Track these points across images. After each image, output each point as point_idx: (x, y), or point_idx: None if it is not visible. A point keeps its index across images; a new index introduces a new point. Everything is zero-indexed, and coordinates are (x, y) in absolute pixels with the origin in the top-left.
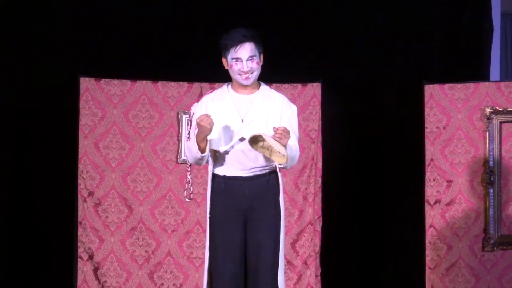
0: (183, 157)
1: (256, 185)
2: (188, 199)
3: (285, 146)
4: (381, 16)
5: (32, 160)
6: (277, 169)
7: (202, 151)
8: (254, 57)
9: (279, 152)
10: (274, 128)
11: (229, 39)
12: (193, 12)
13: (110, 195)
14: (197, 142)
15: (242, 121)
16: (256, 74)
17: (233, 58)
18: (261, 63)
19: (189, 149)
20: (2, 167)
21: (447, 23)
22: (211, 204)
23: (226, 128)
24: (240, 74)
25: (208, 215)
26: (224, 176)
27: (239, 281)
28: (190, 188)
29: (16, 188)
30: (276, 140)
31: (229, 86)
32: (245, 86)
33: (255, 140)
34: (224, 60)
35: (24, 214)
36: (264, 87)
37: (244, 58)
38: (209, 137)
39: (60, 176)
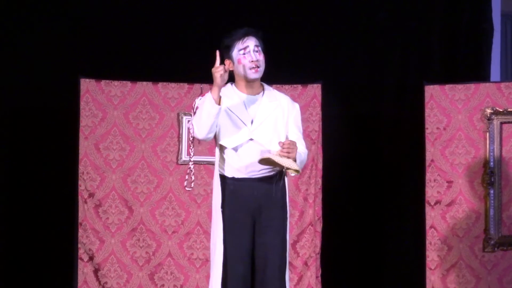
0: (183, 158)
1: (264, 186)
2: (189, 188)
3: (294, 158)
4: (381, 17)
5: (32, 161)
6: (284, 171)
7: (218, 103)
8: (259, 48)
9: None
10: (280, 143)
11: (234, 34)
12: (193, 13)
13: (110, 196)
14: (212, 96)
15: (252, 121)
16: (262, 68)
17: (240, 50)
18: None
19: (201, 113)
20: (2, 168)
21: (447, 24)
22: (221, 204)
23: (236, 127)
24: (250, 68)
25: (220, 208)
26: (233, 178)
27: (247, 282)
28: (192, 177)
29: (17, 189)
30: (285, 156)
31: (233, 85)
32: (250, 85)
33: (265, 161)
34: (227, 62)
35: (25, 215)
36: (267, 88)
37: (251, 47)
38: (219, 132)
39: (61, 177)
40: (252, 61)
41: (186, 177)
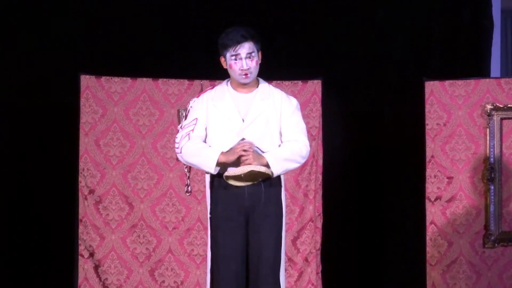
0: None
1: (258, 184)
2: (188, 193)
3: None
4: (381, 13)
5: (32, 157)
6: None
7: (215, 170)
8: (253, 54)
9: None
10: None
11: (228, 39)
12: (193, 10)
13: (110, 192)
14: (218, 160)
15: (243, 121)
16: (254, 73)
17: (232, 56)
18: (260, 61)
19: (197, 159)
20: (2, 164)
21: (447, 20)
22: (212, 203)
23: (227, 128)
24: (240, 74)
25: (209, 214)
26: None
27: (241, 280)
28: (188, 181)
29: (17, 186)
30: (246, 163)
31: (229, 83)
32: (244, 84)
33: (232, 178)
34: (222, 59)
35: (25, 212)
36: (263, 85)
37: (243, 56)
38: (210, 137)
39: (61, 173)
40: (241, 69)
41: (186, 181)
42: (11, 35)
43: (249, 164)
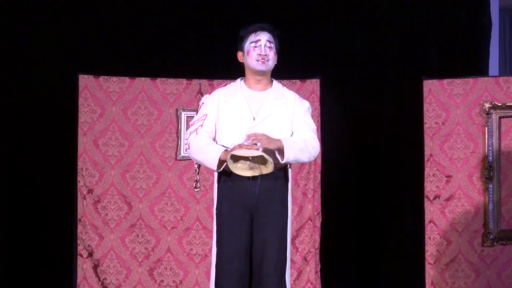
0: (182, 154)
1: (263, 182)
2: (197, 189)
3: (268, 149)
4: (379, 11)
5: (31, 157)
6: (288, 167)
7: (220, 167)
8: (272, 44)
9: (264, 164)
10: (246, 135)
11: (248, 29)
12: (191, 9)
13: (109, 192)
14: (220, 157)
15: (254, 119)
16: (271, 63)
17: (252, 42)
18: (275, 62)
19: (202, 157)
20: (1, 164)
21: (445, 18)
22: (218, 201)
23: (237, 126)
24: (257, 60)
25: (215, 211)
26: (232, 173)
27: (245, 278)
28: (197, 177)
29: (16, 186)
30: (251, 148)
31: (242, 81)
32: (258, 80)
33: (235, 158)
34: (240, 54)
35: (24, 212)
36: (276, 85)
37: (262, 41)
38: (220, 133)
39: (59, 173)
40: (260, 54)
41: (196, 177)
42: (10, 34)
43: (260, 148)
